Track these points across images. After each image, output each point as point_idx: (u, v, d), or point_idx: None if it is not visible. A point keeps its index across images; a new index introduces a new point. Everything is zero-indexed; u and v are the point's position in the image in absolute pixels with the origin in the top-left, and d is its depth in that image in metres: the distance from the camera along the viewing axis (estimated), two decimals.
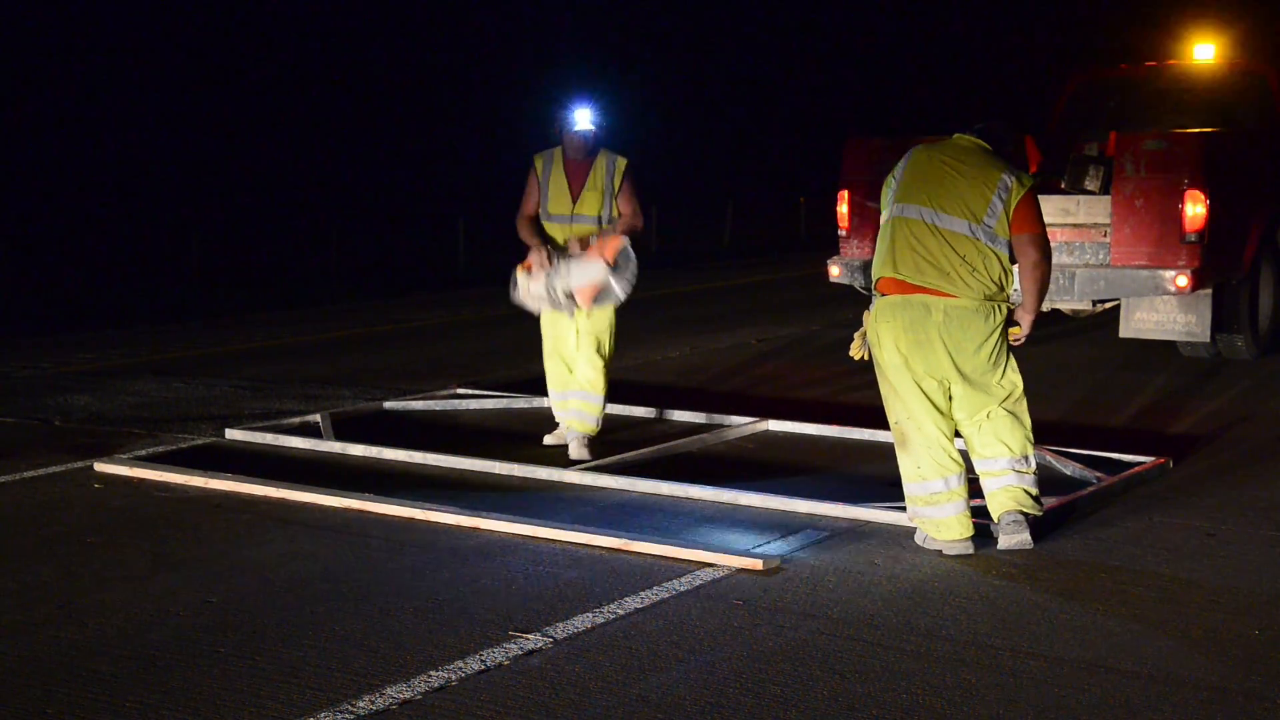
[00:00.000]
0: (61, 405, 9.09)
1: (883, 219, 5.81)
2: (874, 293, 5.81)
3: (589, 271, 7.21)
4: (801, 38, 49.76)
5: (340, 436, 7.81)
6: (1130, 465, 7.00)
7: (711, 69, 47.36)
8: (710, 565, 5.42)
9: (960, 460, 5.68)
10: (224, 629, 4.78)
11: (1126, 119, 11.17)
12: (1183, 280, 9.22)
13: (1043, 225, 5.67)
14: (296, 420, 8.35)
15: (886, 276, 5.69)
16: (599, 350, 7.41)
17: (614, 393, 8.59)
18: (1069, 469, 6.90)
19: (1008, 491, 5.67)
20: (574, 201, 7.34)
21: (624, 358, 10.10)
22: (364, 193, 32.90)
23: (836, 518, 6.10)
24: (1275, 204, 10.45)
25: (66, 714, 4.09)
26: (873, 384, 5.98)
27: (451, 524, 6.03)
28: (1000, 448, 5.67)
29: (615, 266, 7.22)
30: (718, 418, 8.30)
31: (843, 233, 10.49)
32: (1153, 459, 7.08)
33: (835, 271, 10.52)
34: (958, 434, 5.76)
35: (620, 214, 7.37)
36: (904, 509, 5.84)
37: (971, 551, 5.60)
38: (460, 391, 9.35)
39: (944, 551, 5.62)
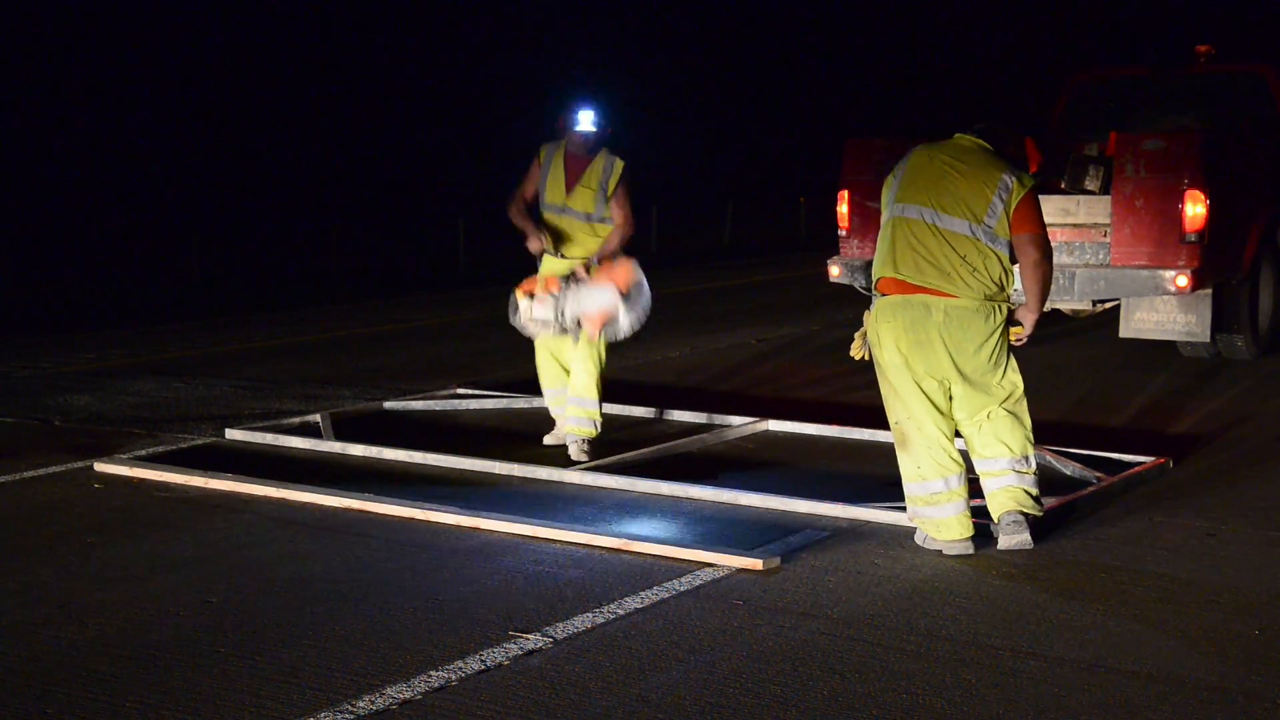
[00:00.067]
0: (61, 405, 9.09)
1: (883, 219, 5.81)
2: (874, 293, 5.81)
3: (601, 298, 7.19)
4: (801, 38, 49.76)
5: (340, 436, 7.81)
6: (1130, 465, 7.01)
7: (712, 69, 47.36)
8: (710, 565, 5.42)
9: (960, 460, 5.68)
10: (224, 629, 4.78)
11: (1126, 119, 11.17)
12: (1183, 280, 9.22)
13: (1043, 225, 5.67)
14: (296, 420, 8.35)
15: (887, 276, 5.69)
16: (593, 356, 7.40)
17: (614, 393, 8.60)
18: (1069, 469, 6.90)
19: (1008, 492, 5.67)
20: (567, 194, 7.36)
21: (624, 358, 10.10)
22: (364, 193, 32.90)
23: (836, 518, 6.10)
24: (1275, 204, 10.45)
25: (66, 714, 4.09)
26: (873, 384, 5.98)
27: (451, 524, 6.03)
28: (1000, 448, 5.67)
29: (627, 296, 7.20)
30: (718, 418, 8.30)
31: (843, 233, 10.49)
32: (1153, 459, 7.08)
33: (835, 271, 10.52)
34: (958, 434, 5.76)
35: (611, 216, 7.37)
36: (904, 509, 5.84)
37: (971, 551, 5.60)
38: (460, 391, 9.35)
39: (944, 551, 5.62)
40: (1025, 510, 5.67)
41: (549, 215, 7.44)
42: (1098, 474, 6.76)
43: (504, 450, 7.45)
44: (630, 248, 7.43)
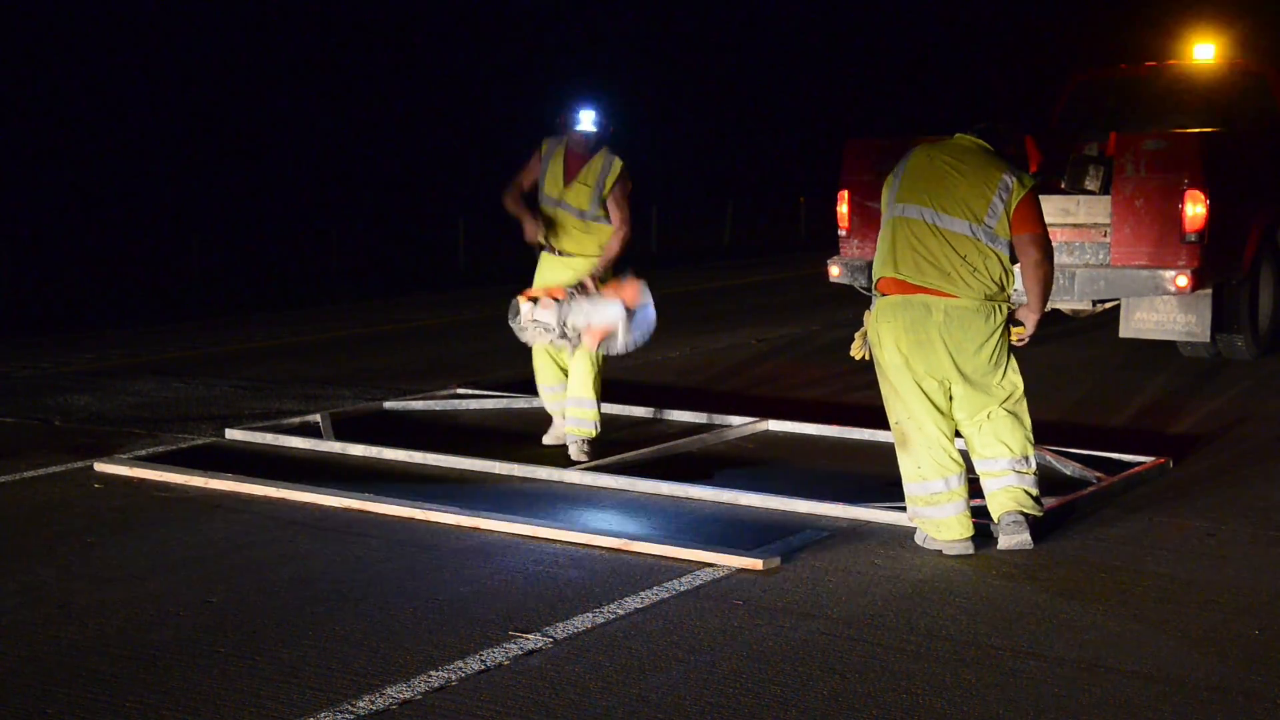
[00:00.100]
0: (61, 405, 9.09)
1: (883, 219, 5.81)
2: (874, 293, 5.81)
3: (607, 313, 7.20)
4: (801, 38, 49.76)
5: (340, 436, 7.81)
6: (1130, 465, 7.01)
7: (712, 69, 47.36)
8: (710, 565, 5.42)
9: (960, 460, 5.68)
10: (224, 629, 4.78)
11: (1126, 119, 11.17)
12: (1183, 280, 9.22)
13: (1044, 225, 5.66)
14: (296, 420, 8.35)
15: (887, 276, 5.69)
16: (591, 357, 7.39)
17: (614, 393, 8.60)
18: (1069, 469, 6.90)
19: (1008, 492, 5.67)
20: (564, 189, 7.37)
21: (624, 358, 10.07)
22: (364, 192, 32.90)
23: (836, 518, 6.10)
24: (1275, 204, 10.45)
25: (66, 714, 4.09)
26: (873, 384, 5.98)
27: (451, 524, 6.03)
28: (1000, 448, 5.67)
29: (632, 316, 7.21)
30: (718, 418, 8.30)
31: (843, 233, 10.49)
32: (1153, 459, 7.08)
33: (835, 271, 10.52)
34: (958, 434, 5.76)
35: (606, 215, 7.37)
36: (904, 509, 5.84)
37: (971, 551, 5.60)
38: (460, 391, 9.35)
39: (944, 551, 5.62)
40: (1025, 510, 5.67)
41: (545, 207, 7.46)
42: (1098, 474, 6.76)
43: (504, 450, 7.45)
44: (630, 248, 7.43)
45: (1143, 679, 4.33)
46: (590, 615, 4.88)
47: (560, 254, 7.43)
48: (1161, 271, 9.28)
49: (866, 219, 10.21)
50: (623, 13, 45.48)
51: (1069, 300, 9.74)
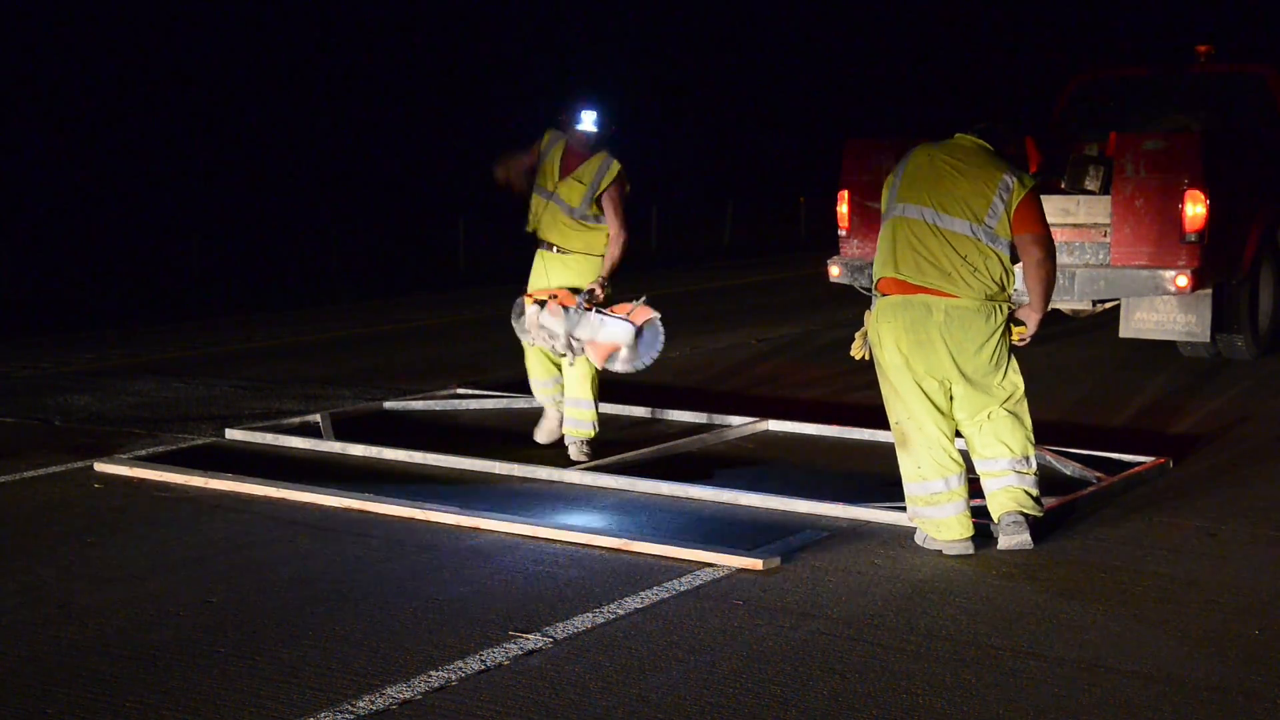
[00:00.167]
0: (61, 405, 9.09)
1: (883, 219, 5.81)
2: (875, 293, 5.81)
3: (615, 331, 7.20)
4: (802, 38, 49.76)
5: (340, 436, 7.81)
6: (1130, 465, 7.01)
7: (712, 69, 47.36)
8: (710, 565, 5.42)
9: (961, 460, 5.68)
10: (224, 629, 4.78)
11: (1126, 119, 11.17)
12: (1183, 280, 9.22)
13: (1045, 224, 5.66)
14: (296, 420, 8.35)
15: (887, 277, 5.69)
16: (587, 359, 7.38)
17: (613, 393, 8.60)
18: (1069, 469, 6.90)
19: (1008, 492, 5.67)
20: (558, 182, 7.37)
21: None
22: (364, 192, 32.90)
23: (836, 518, 6.10)
24: (1275, 204, 10.46)
25: (66, 714, 4.09)
26: (872, 384, 5.98)
27: (451, 524, 6.03)
28: (1001, 448, 5.67)
29: (640, 338, 7.21)
30: (718, 418, 8.30)
31: (843, 233, 10.49)
32: (1153, 459, 7.08)
33: (835, 271, 10.52)
34: (958, 434, 5.76)
35: (595, 216, 7.35)
36: (904, 509, 5.84)
37: (971, 551, 5.60)
38: (460, 391, 9.35)
39: (944, 551, 5.62)
40: (1025, 511, 5.67)
41: (537, 197, 7.45)
42: (1098, 474, 6.77)
43: (504, 450, 7.45)
44: (630, 249, 7.41)
45: (1143, 679, 4.33)
46: (590, 615, 4.88)
47: (552, 249, 7.40)
48: (1161, 271, 9.29)
49: (866, 219, 10.21)
50: (623, 12, 45.49)
51: (1069, 300, 9.74)
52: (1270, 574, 5.40)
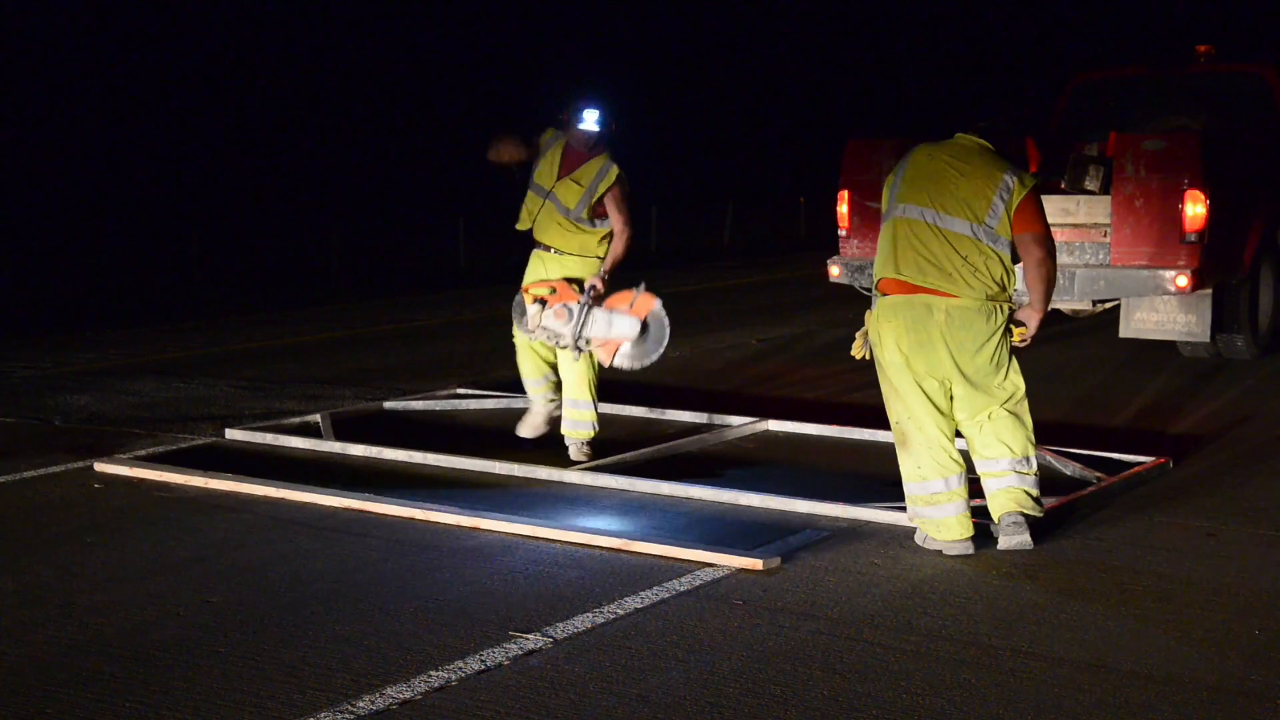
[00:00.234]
0: (61, 405, 9.09)
1: (884, 219, 5.81)
2: (875, 293, 5.81)
3: (624, 327, 7.19)
4: (802, 38, 49.76)
5: (340, 436, 7.81)
6: (1130, 465, 7.00)
7: (712, 68, 47.36)
8: (710, 565, 5.42)
9: (961, 461, 5.68)
10: (224, 629, 4.78)
11: (1126, 119, 11.18)
12: (1183, 280, 9.22)
13: (1046, 224, 5.66)
14: (296, 420, 8.35)
15: (888, 277, 5.69)
16: (585, 358, 7.35)
17: (614, 393, 8.60)
18: (1069, 469, 6.90)
19: (1008, 493, 5.67)
20: (555, 182, 7.32)
21: None
22: (364, 192, 32.90)
23: (836, 518, 6.10)
24: (1275, 204, 10.46)
25: (66, 714, 4.09)
26: (872, 384, 5.98)
27: (451, 524, 6.03)
28: (1001, 448, 5.67)
29: (646, 330, 7.19)
30: (718, 418, 8.30)
31: (843, 233, 10.49)
32: (1153, 459, 7.08)
33: (835, 271, 10.52)
34: (959, 434, 5.76)
35: (591, 217, 7.32)
36: (904, 509, 5.84)
37: (971, 552, 5.60)
38: (460, 391, 9.35)
39: (944, 552, 5.62)
40: (1025, 511, 5.66)
41: (534, 196, 7.38)
42: (1098, 474, 6.76)
43: (504, 450, 7.45)
44: (630, 249, 7.40)
45: (1143, 679, 4.33)
46: (590, 615, 4.88)
47: (549, 250, 7.37)
48: (1161, 271, 9.29)
49: (866, 219, 10.21)
50: (623, 12, 45.49)
51: (1069, 300, 9.74)
52: (1270, 574, 5.40)
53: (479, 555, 5.63)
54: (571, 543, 5.74)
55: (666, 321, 7.25)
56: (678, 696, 4.19)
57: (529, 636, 4.67)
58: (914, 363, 5.62)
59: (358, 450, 7.51)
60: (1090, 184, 9.67)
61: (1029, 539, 5.63)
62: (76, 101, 34.54)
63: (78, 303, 16.14)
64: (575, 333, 7.16)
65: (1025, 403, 5.72)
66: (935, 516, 5.63)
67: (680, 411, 8.48)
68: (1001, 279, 5.59)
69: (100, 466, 7.12)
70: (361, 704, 4.12)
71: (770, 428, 8.13)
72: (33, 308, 15.51)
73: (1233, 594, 5.14)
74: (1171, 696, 4.19)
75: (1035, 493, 5.71)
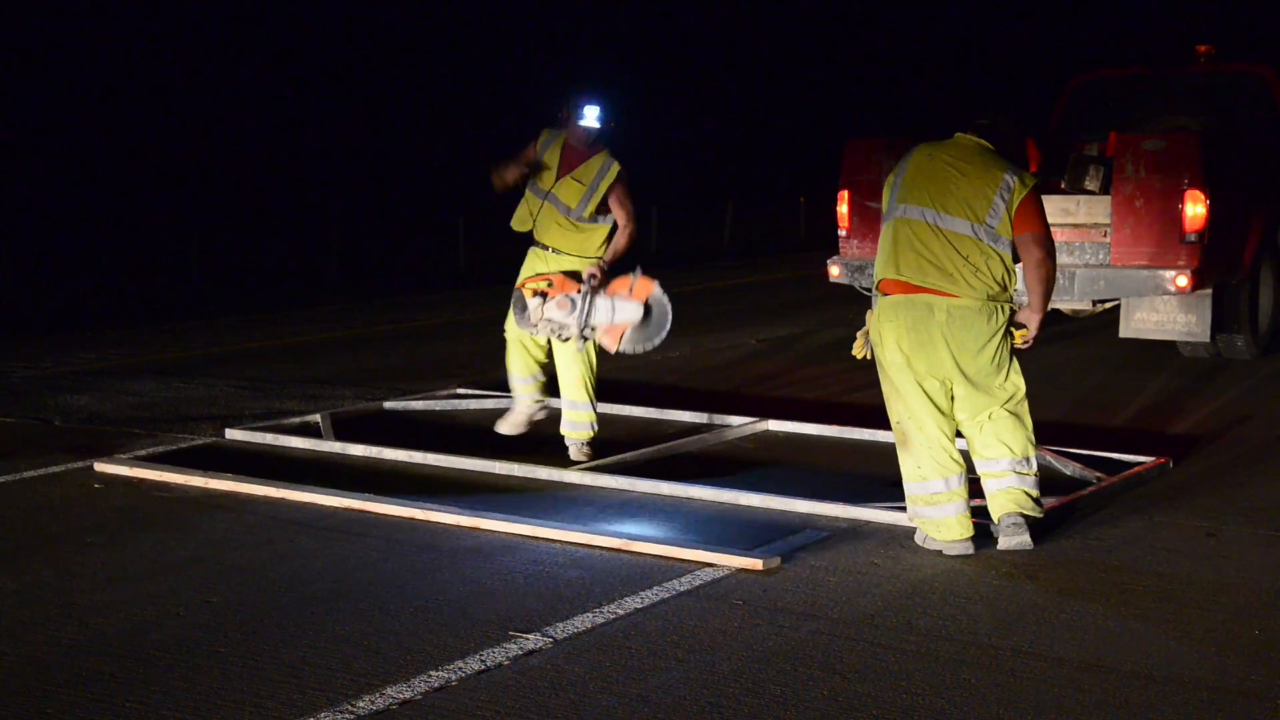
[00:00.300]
0: (61, 405, 9.09)
1: (884, 220, 5.80)
2: (876, 293, 5.81)
3: (627, 312, 7.17)
4: (802, 37, 49.76)
5: (340, 436, 7.81)
6: (1130, 465, 7.00)
7: (712, 68, 47.36)
8: (710, 565, 5.42)
9: (961, 461, 5.67)
10: (224, 629, 4.78)
11: (1126, 119, 11.18)
12: (1183, 280, 9.22)
13: (1046, 224, 5.66)
14: (296, 420, 8.35)
15: (889, 278, 5.69)
16: (583, 358, 7.34)
17: (614, 393, 8.60)
18: (1069, 469, 6.90)
19: (1008, 494, 5.67)
20: (555, 182, 7.29)
21: (624, 358, 10.08)
22: (364, 192, 32.90)
23: (836, 518, 6.10)
24: (1275, 204, 10.46)
25: (66, 714, 4.09)
26: (872, 384, 5.98)
27: (451, 524, 6.03)
28: (1002, 449, 5.66)
29: (649, 313, 7.18)
30: (718, 418, 8.30)
31: (843, 233, 10.49)
32: (1153, 459, 7.08)
33: (835, 271, 10.52)
34: (959, 434, 5.76)
35: (594, 216, 7.29)
36: (904, 509, 5.84)
37: (971, 552, 5.60)
38: (460, 391, 9.35)
39: (944, 552, 5.62)
40: (1025, 512, 5.66)
41: (532, 197, 7.32)
42: (1098, 474, 6.76)
43: (504, 450, 7.45)
44: (633, 250, 7.38)
45: (1143, 679, 4.33)
46: (590, 615, 4.88)
47: (547, 249, 7.35)
48: (1161, 271, 9.29)
49: (866, 219, 10.21)
50: (623, 12, 45.49)
51: (1069, 300, 9.74)
52: (1270, 574, 5.40)
53: (479, 555, 5.63)
54: (571, 543, 5.74)
55: (667, 303, 7.22)
56: (678, 696, 4.19)
57: (529, 636, 4.67)
58: (915, 362, 5.62)
59: (358, 450, 7.51)
60: (1090, 184, 9.67)
61: (1029, 539, 5.63)
62: (77, 102, 34.55)
63: (78, 303, 16.14)
64: (581, 322, 7.14)
65: (1026, 403, 5.72)
66: (935, 516, 5.63)
67: (680, 411, 8.48)
68: (1002, 279, 5.59)
69: (100, 466, 7.12)
70: (361, 704, 4.12)
71: (770, 428, 8.13)
72: (33, 308, 15.51)
73: (1233, 594, 5.14)
74: (1171, 696, 4.19)
75: (1035, 493, 5.71)
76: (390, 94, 40.03)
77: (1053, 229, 5.86)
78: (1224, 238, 9.62)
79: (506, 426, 7.67)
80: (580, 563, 5.51)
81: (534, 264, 7.39)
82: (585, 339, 7.19)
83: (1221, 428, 8.14)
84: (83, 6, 35.83)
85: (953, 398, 5.68)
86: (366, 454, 7.46)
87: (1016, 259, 5.67)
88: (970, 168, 5.64)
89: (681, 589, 5.17)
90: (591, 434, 7.41)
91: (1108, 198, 9.52)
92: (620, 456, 7.27)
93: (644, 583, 5.23)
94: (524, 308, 7.23)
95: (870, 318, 5.81)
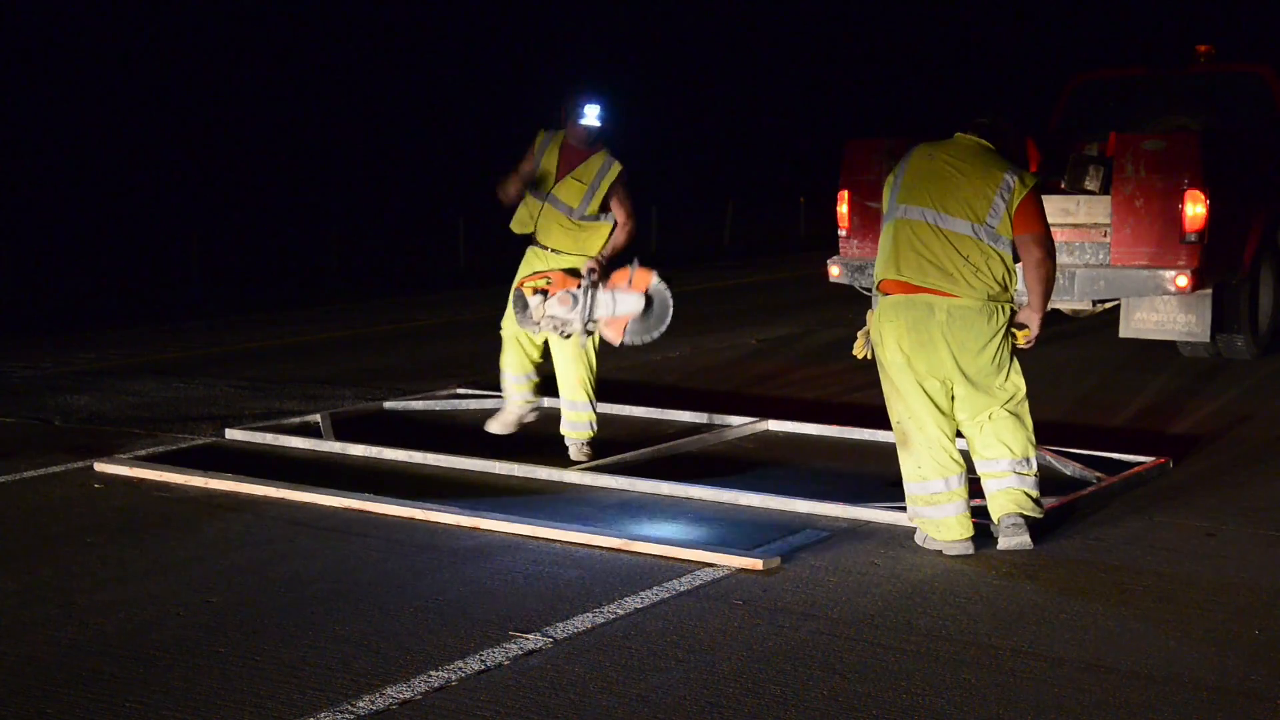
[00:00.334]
0: (61, 405, 9.09)
1: (884, 220, 5.80)
2: (876, 294, 5.81)
3: (630, 304, 7.16)
4: (802, 37, 49.76)
5: (340, 436, 7.81)
6: (1130, 465, 7.00)
7: (712, 68, 47.36)
8: (710, 565, 5.42)
9: (961, 461, 5.67)
10: (224, 629, 4.78)
11: (1126, 119, 11.18)
12: (1183, 280, 9.22)
13: (1046, 224, 5.66)
14: (296, 420, 8.35)
15: (889, 278, 5.69)
16: (582, 358, 7.33)
17: (614, 393, 8.60)
18: (1069, 469, 6.90)
19: (1008, 494, 5.67)
20: (555, 184, 7.27)
21: (624, 357, 10.10)
22: (364, 192, 32.90)
23: (836, 518, 6.10)
24: (1275, 204, 10.46)
25: (66, 714, 4.09)
26: (872, 384, 5.98)
27: (451, 524, 6.03)
28: (1002, 449, 5.66)
29: (651, 303, 7.17)
30: (718, 418, 8.30)
31: (843, 233, 10.49)
32: (1153, 459, 7.08)
33: (835, 271, 10.52)
34: (959, 434, 5.76)
35: (596, 215, 7.28)
36: (904, 509, 5.84)
37: (971, 552, 5.60)
38: (460, 391, 9.35)
39: (944, 552, 5.62)
40: (1025, 513, 5.66)
41: (532, 198, 7.29)
42: (1098, 474, 6.76)
43: (504, 450, 7.45)
44: (631, 247, 7.39)
45: (1143, 679, 4.33)
46: (590, 615, 4.88)
47: (547, 249, 7.34)
48: (1161, 271, 9.29)
49: (866, 219, 10.21)
50: (623, 11, 45.48)
51: (1069, 300, 9.74)
52: (1270, 574, 5.40)
53: (479, 555, 5.63)
54: (571, 543, 5.74)
55: (667, 292, 7.21)
56: (678, 696, 4.19)
57: (529, 636, 4.67)
58: (915, 362, 5.62)
59: (358, 450, 7.51)
60: (1090, 184, 9.68)
61: (1028, 540, 5.63)
62: (77, 101, 34.55)
63: (78, 303, 16.14)
64: (583, 316, 7.12)
65: (1026, 404, 5.72)
66: (935, 516, 5.63)
67: (680, 411, 8.48)
68: (1003, 279, 5.59)
69: (100, 466, 7.12)
70: (361, 704, 4.12)
71: (770, 428, 8.13)
72: (33, 308, 15.51)
73: (1233, 594, 5.14)
74: (1171, 696, 4.19)
75: (1035, 494, 5.71)
76: (390, 94, 40.03)
77: (1053, 229, 5.86)
78: (1224, 238, 9.62)
79: (497, 426, 7.66)
80: (580, 563, 5.51)
81: (532, 262, 7.37)
82: (589, 334, 7.18)
83: (1221, 428, 8.14)
84: (83, 6, 35.83)
85: (953, 398, 5.68)
86: (366, 454, 7.46)
87: (1017, 259, 5.67)
88: (970, 167, 5.64)
89: (681, 589, 5.17)
90: (591, 434, 7.41)
91: (1108, 198, 9.53)
92: (620, 456, 7.28)
93: (644, 583, 5.23)
94: (525, 306, 7.21)
95: (871, 317, 5.81)
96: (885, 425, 6.06)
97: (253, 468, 7.09)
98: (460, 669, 4.39)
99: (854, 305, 12.27)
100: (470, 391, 9.31)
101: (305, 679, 4.32)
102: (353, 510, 6.28)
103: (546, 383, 7.61)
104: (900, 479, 5.80)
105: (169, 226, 24.19)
